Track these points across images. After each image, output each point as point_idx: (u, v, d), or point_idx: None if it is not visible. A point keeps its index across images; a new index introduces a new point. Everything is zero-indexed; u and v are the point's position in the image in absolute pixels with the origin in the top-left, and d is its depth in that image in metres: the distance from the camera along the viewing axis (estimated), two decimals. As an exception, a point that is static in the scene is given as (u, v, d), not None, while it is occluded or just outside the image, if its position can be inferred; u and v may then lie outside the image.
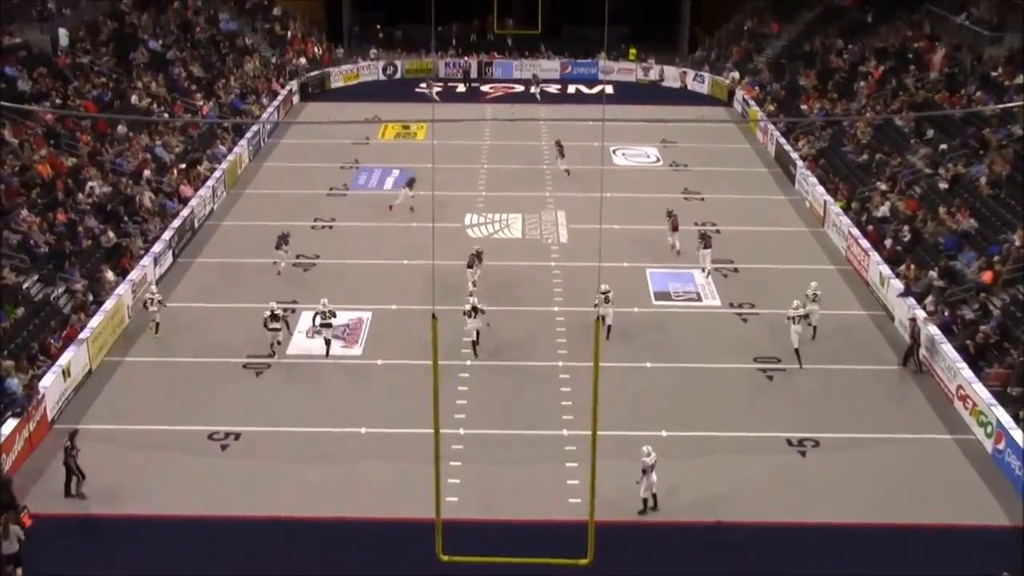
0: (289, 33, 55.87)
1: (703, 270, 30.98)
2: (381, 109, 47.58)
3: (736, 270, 31.43)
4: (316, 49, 55.92)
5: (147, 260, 29.89)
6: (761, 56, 53.58)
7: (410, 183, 35.14)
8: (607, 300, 26.43)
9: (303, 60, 53.66)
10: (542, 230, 34.50)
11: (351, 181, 38.81)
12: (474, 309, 25.90)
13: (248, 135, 41.64)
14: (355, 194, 37.54)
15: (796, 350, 25.76)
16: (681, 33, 63.70)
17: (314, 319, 26.58)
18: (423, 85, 51.29)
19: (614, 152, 42.26)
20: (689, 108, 49.46)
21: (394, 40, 60.50)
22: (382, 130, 45.52)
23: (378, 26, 62.36)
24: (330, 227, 33.51)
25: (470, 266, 29.32)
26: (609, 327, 26.57)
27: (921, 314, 26.52)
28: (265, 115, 45.59)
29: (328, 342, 26.15)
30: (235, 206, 36.59)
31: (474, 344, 26.06)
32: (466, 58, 56.13)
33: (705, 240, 31.26)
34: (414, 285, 29.19)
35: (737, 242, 33.32)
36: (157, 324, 27.15)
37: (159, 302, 27.15)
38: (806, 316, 26.38)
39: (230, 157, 39.12)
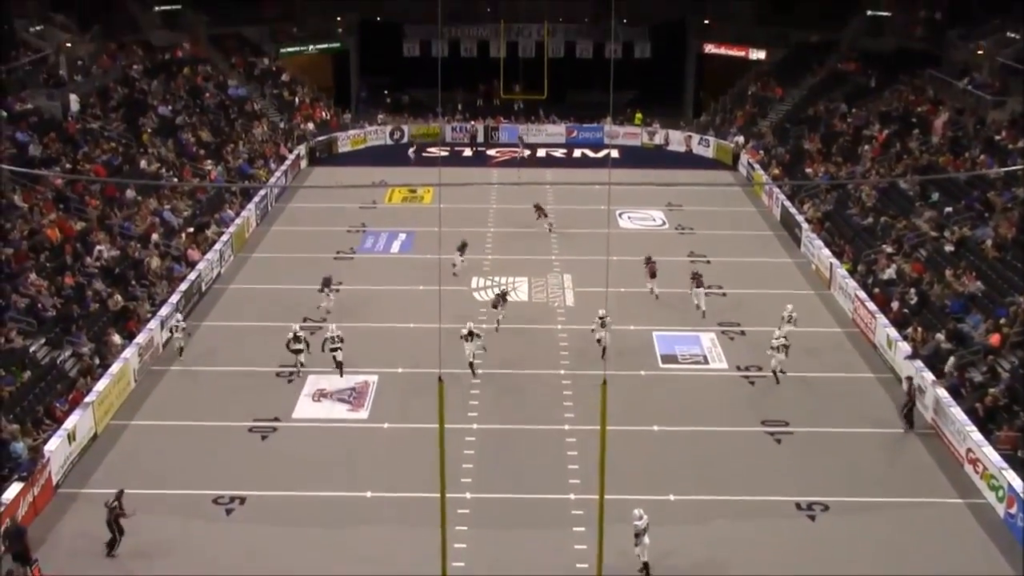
0: (297, 99, 56.70)
1: (697, 307, 32.36)
2: (388, 173, 48.09)
3: (743, 333, 31.50)
4: (324, 114, 56.69)
5: (154, 323, 30.06)
6: (765, 120, 54.19)
7: (462, 247, 35.48)
8: (603, 325, 28.69)
9: (311, 125, 54.38)
10: (548, 293, 34.67)
11: (358, 245, 39.09)
12: (471, 333, 28.07)
13: (256, 199, 42.08)
14: (362, 257, 37.80)
15: (775, 371, 27.96)
16: (686, 98, 64.62)
17: (323, 345, 28.41)
18: (411, 150, 51.79)
19: (620, 215, 42.59)
20: (694, 172, 49.89)
21: (401, 105, 61.36)
22: (389, 194, 45.96)
23: (385, 91, 63.31)
24: (336, 290, 33.70)
25: (495, 306, 31.31)
26: (604, 348, 28.57)
27: (930, 377, 26.53)
28: (273, 179, 46.09)
29: (340, 364, 28.23)
30: (242, 270, 36.86)
31: (471, 365, 28.03)
32: (472, 123, 56.80)
33: (697, 279, 32.83)
34: (420, 348, 29.24)
35: (743, 305, 33.41)
36: (181, 348, 29.61)
37: (183, 329, 29.72)
38: (787, 346, 27.94)
39: (238, 221, 39.50)
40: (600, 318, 28.97)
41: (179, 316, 30.51)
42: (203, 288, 34.23)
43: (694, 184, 46.07)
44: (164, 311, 30.86)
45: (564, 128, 56.72)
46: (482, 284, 35.31)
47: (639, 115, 57.69)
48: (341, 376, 28.10)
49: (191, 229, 37.61)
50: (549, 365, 29.13)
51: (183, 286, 32.71)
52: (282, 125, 53.28)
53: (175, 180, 41.42)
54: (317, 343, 28.75)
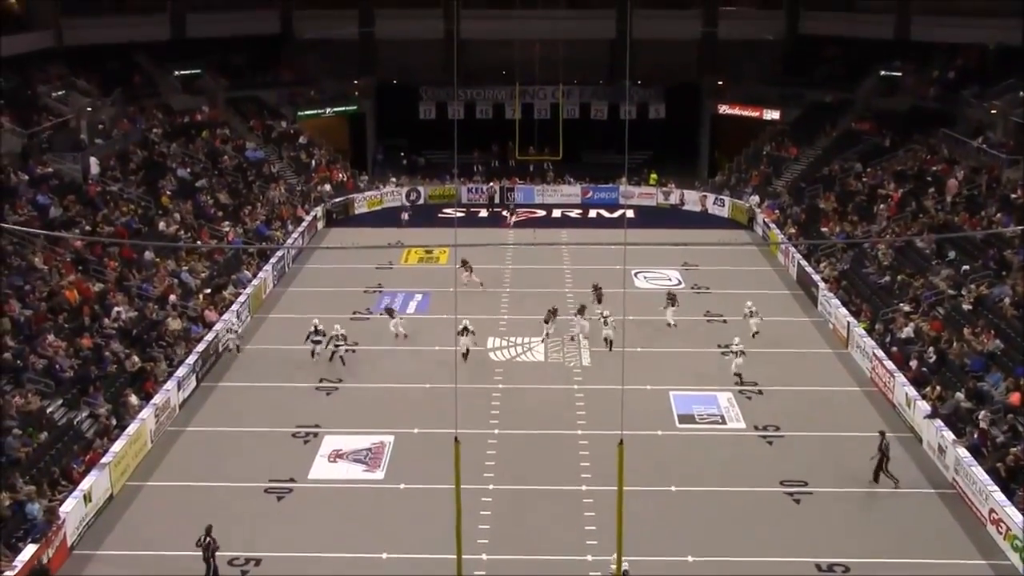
0: (314, 161, 57.34)
1: (669, 324, 35.90)
2: (404, 234, 48.46)
3: (760, 392, 31.45)
4: (341, 176, 57.27)
5: (170, 384, 30.24)
6: (780, 180, 54.47)
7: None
8: (606, 323, 33.52)
9: (327, 187, 54.89)
10: (564, 353, 34.76)
11: (374, 305, 39.32)
12: (465, 329, 32.61)
13: (273, 260, 42.47)
14: (378, 318, 38.00)
15: (738, 375, 31.56)
16: (701, 158, 64.96)
17: (328, 341, 33.25)
18: (405, 214, 52.01)
19: (636, 275, 42.73)
20: (710, 231, 50.12)
21: (417, 167, 61.95)
22: (405, 255, 46.30)
23: (401, 153, 63.94)
24: (353, 351, 33.90)
25: (546, 321, 35.00)
26: (611, 342, 33.50)
27: (950, 436, 26.40)
28: (290, 240, 46.48)
29: (342, 358, 33.02)
30: (259, 330, 37.10)
31: (464, 356, 32.63)
32: (490, 183, 57.27)
33: (672, 299, 36.52)
34: (437, 408, 29.29)
35: (761, 364, 33.39)
36: (238, 346, 34.24)
37: (236, 332, 34.47)
38: (744, 353, 31.65)
39: (255, 282, 39.83)
40: (603, 316, 33.81)
41: (235, 321, 35.16)
42: (220, 349, 34.45)
43: (710, 244, 46.24)
44: (181, 372, 31.07)
45: (579, 188, 57.14)
46: (498, 344, 35.41)
47: (654, 175, 58.03)
48: (344, 364, 32.87)
49: (208, 290, 37.96)
50: (566, 425, 29.15)
51: (200, 347, 32.92)
52: (299, 187, 53.86)
53: (196, 242, 41.81)
54: (318, 446, 28.13)
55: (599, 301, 36.71)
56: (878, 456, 25.78)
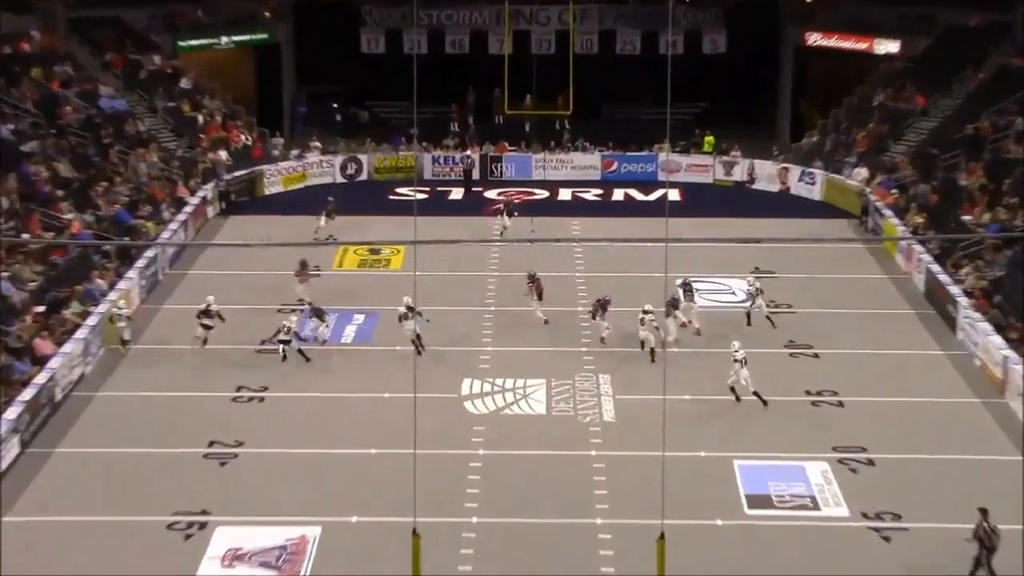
0: (202, 116, 57.20)
1: (688, 324, 38.66)
2: (339, 225, 48.30)
3: (871, 462, 31.36)
4: (243, 138, 57.14)
5: (-20, 450, 30.09)
6: (900, 144, 54.52)
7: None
8: (643, 323, 36.18)
9: (223, 154, 54.76)
10: (576, 403, 34.68)
11: (299, 325, 39.09)
12: (409, 309, 36.01)
13: (140, 264, 42.27)
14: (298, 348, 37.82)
15: (755, 392, 33.64)
16: (780, 112, 65.09)
17: (275, 334, 37.17)
18: (327, 208, 49.16)
19: (681, 286, 42.57)
20: (793, 222, 50.06)
21: (359, 124, 61.90)
22: (340, 256, 46.22)
23: (335, 105, 63.98)
24: (260, 399, 33.68)
25: (594, 316, 38.16)
26: (652, 350, 36.28)
27: None
28: (166, 234, 46.23)
29: (285, 355, 36.90)
30: (118, 370, 36.87)
31: (414, 343, 36.00)
32: (467, 151, 57.14)
33: (687, 293, 39.47)
34: (385, 486, 29.24)
35: (871, 419, 33.32)
36: (123, 340, 37.29)
37: (127, 317, 37.69)
38: (746, 361, 33.85)
39: (112, 296, 39.60)
40: (644, 312, 36.52)
41: (122, 303, 38.19)
42: (56, 398, 34.30)
43: (793, 241, 46.21)
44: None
45: (599, 158, 57.12)
46: (477, 390, 35.30)
47: (710, 138, 58.13)
48: (283, 360, 36.76)
49: (40, 308, 37.75)
50: (578, 511, 29.07)
51: (26, 394, 32.68)
52: (180, 153, 53.71)
53: (18, 235, 41.55)
54: (207, 543, 27.91)
55: (539, 297, 39.95)
56: (975, 545, 25.70)
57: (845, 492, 30.04)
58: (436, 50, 62.54)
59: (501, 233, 47.91)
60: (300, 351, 37.14)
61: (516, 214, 48.93)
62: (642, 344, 36.80)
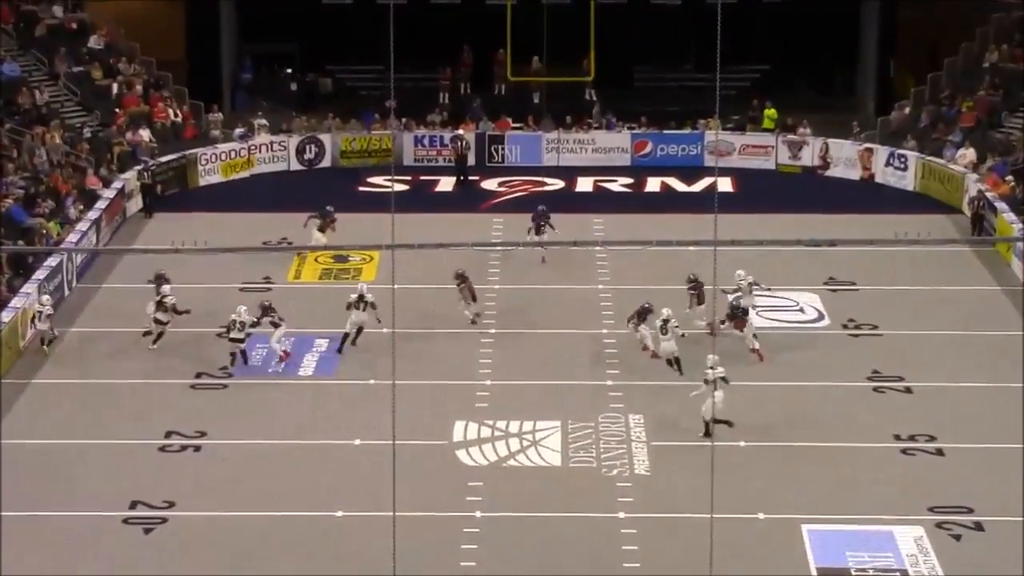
0: (118, 84, 57.31)
1: (708, 325, 39.12)
2: (294, 226, 48.46)
3: (978, 526, 31.37)
4: (170, 112, 57.28)
5: None
6: (1017, 116, 54.60)
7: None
8: (664, 331, 37.64)
9: (145, 134, 54.87)
10: (600, 452, 34.80)
11: (236, 364, 39.23)
12: (361, 299, 39.05)
13: (40, 275, 42.33)
14: (242, 384, 37.91)
15: (726, 421, 34.17)
16: (863, 77, 65.07)
17: (229, 327, 38.86)
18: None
19: (734, 298, 42.72)
20: (880, 219, 50.20)
21: (318, 96, 62.04)
22: (296, 266, 46.44)
23: (288, 71, 64.14)
24: (196, 448, 33.85)
25: (636, 327, 39.28)
26: (678, 359, 37.72)
27: None
28: (72, 237, 46.35)
29: (244, 353, 38.96)
30: (11, 414, 36.96)
31: (349, 336, 39.39)
32: (460, 129, 57.23)
33: (697, 290, 40.59)
34: (353, 559, 29.35)
35: (979, 473, 33.33)
36: (44, 340, 39.73)
37: (47, 316, 39.71)
38: (727, 381, 34.38)
39: (4, 317, 39.73)
40: (663, 321, 37.76)
41: (44, 299, 40.14)
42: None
43: (878, 244, 46.33)
44: None
45: (629, 137, 57.23)
46: (473, 435, 35.39)
47: (771, 111, 58.20)
48: (245, 363, 38.85)
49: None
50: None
51: None
52: (90, 134, 53.85)
53: None
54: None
55: (473, 299, 41.93)
56: None
57: (945, 565, 30.06)
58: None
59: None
60: (243, 352, 38.87)
61: (552, 228, 46.97)
62: (669, 361, 38.04)
